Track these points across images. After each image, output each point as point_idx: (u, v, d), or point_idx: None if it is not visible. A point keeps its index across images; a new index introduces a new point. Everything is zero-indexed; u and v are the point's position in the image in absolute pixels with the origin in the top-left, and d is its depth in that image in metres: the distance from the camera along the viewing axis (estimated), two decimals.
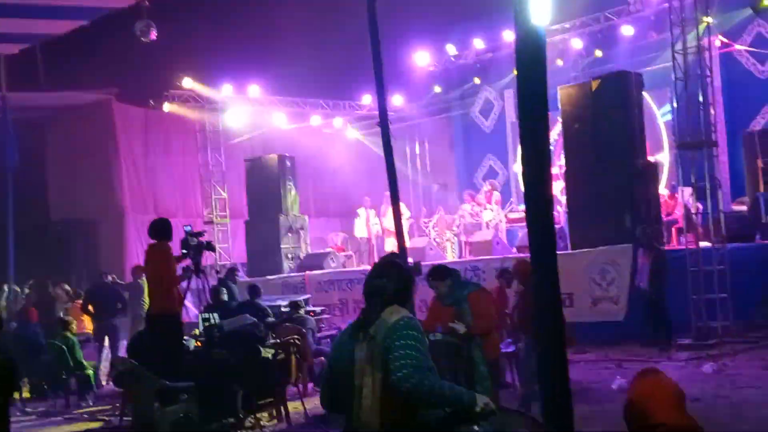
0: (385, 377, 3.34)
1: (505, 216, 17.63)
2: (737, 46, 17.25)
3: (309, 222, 19.74)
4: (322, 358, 10.86)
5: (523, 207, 17.50)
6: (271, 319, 11.15)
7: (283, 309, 12.36)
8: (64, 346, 11.66)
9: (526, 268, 7.38)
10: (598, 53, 18.49)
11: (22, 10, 12.46)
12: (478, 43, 20.30)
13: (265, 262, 17.94)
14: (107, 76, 18.93)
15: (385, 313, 3.47)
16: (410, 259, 10.32)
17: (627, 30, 17.89)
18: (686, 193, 13.06)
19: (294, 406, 9.17)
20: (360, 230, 19.18)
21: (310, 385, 10.28)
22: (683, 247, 12.36)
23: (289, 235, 18.26)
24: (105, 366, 13.03)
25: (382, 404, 3.34)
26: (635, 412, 3.02)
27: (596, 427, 6.55)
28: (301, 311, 11.57)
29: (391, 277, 3.59)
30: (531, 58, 2.51)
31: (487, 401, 3.36)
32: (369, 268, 3.95)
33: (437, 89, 21.88)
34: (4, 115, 15.26)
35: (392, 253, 7.35)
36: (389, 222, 17.84)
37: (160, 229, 9.01)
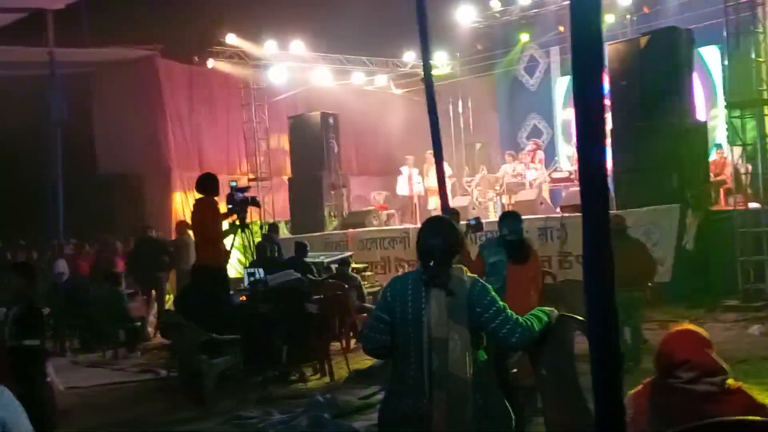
0: (471, 331, 3.58)
1: (549, 175, 17.46)
2: None
3: (351, 180, 19.75)
4: (365, 315, 10.97)
5: (567, 167, 17.35)
6: (315, 276, 11.27)
7: (326, 264, 12.51)
8: (111, 299, 11.93)
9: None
10: (647, 9, 18.05)
11: None
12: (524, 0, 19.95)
13: (307, 219, 18.05)
14: (152, 33, 19.03)
15: (456, 271, 3.67)
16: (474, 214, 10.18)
17: None
18: (735, 153, 12.81)
19: (337, 361, 9.28)
20: (402, 188, 19.15)
21: (353, 341, 10.40)
22: (732, 208, 12.17)
23: (332, 192, 18.32)
24: (152, 318, 13.29)
25: (469, 355, 3.56)
26: (663, 355, 3.18)
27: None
28: (349, 269, 11.69)
29: (448, 235, 3.73)
30: (586, 9, 2.45)
31: (555, 312, 3.92)
32: (411, 226, 4.08)
33: (481, 46, 21.59)
34: (51, 70, 15.43)
35: (450, 210, 7.46)
36: (432, 181, 17.80)
37: (208, 184, 9.10)
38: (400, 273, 3.84)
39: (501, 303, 3.67)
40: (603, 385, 2.47)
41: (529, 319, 3.73)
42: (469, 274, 3.71)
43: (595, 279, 2.57)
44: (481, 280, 3.72)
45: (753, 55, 11.88)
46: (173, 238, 14.91)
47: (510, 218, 6.91)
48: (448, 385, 3.54)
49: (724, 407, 2.91)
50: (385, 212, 18.65)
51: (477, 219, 9.14)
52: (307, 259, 11.96)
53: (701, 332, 3.23)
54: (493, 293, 3.70)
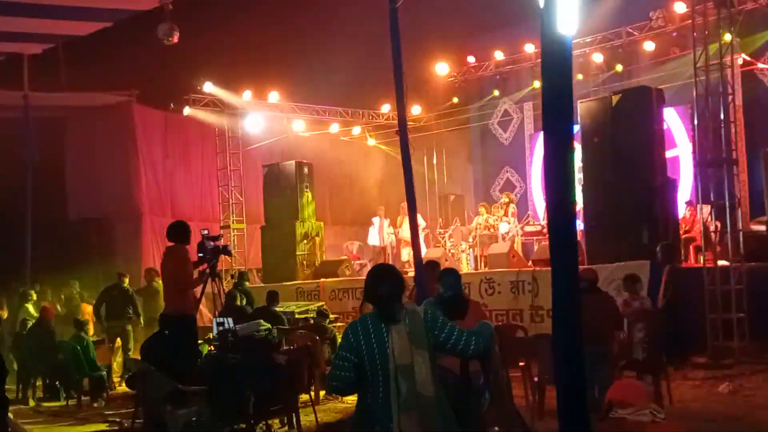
0: (431, 353, 4.20)
1: (522, 229, 17.56)
2: (760, 65, 17.14)
3: (324, 229, 19.75)
4: None
5: (538, 222, 17.47)
6: (284, 326, 11.18)
7: (297, 316, 12.43)
8: (78, 347, 11.71)
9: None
10: (619, 68, 18.41)
11: (46, 11, 12.57)
12: (498, 55, 20.29)
13: (280, 268, 17.96)
14: (128, 78, 19.05)
15: (408, 306, 4.32)
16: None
17: (648, 45, 17.83)
18: (705, 211, 12.96)
19: (306, 414, 9.14)
20: (373, 238, 19.19)
21: (322, 393, 10.26)
22: (701, 265, 12.27)
23: (305, 241, 18.27)
24: (116, 367, 13.07)
25: (433, 375, 4.16)
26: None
27: None
28: (326, 321, 11.61)
29: (396, 279, 4.36)
30: (557, 67, 2.49)
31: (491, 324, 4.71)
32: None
33: (456, 100, 21.87)
34: (25, 113, 15.37)
35: (431, 262, 8.59)
36: (404, 232, 17.85)
37: (179, 231, 9.03)
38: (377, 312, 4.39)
39: (449, 321, 4.35)
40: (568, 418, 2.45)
41: (477, 330, 4.42)
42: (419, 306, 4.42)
43: (564, 333, 2.57)
44: (430, 306, 4.48)
45: (722, 116, 12.10)
46: (142, 285, 14.72)
47: (447, 275, 6.89)
48: (418, 404, 4.09)
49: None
50: (357, 262, 18.62)
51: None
52: (279, 308, 11.87)
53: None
54: (441, 315, 4.38)
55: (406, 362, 4.12)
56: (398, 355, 4.13)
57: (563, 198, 2.50)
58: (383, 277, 4.35)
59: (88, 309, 14.66)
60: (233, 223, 19.76)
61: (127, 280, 14.20)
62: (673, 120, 17.64)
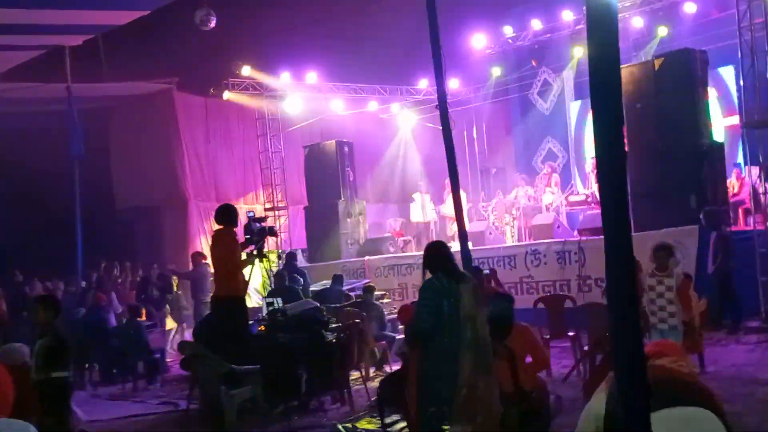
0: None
1: (566, 198, 17.42)
2: None
3: (367, 207, 19.79)
4: (384, 342, 10.93)
5: (583, 190, 17.30)
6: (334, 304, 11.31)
7: (349, 293, 12.77)
8: (131, 331, 11.95)
9: None
10: (661, 31, 18.06)
11: (84, 2, 12.71)
12: (536, 24, 20.01)
13: (324, 248, 18.08)
14: (167, 66, 19.19)
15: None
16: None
17: (689, 7, 17.46)
18: (753, 173, 12.73)
19: (357, 390, 9.24)
20: (416, 215, 19.18)
21: (373, 370, 10.34)
22: (751, 228, 12.07)
23: (348, 220, 18.35)
24: (172, 350, 13.30)
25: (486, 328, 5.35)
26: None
27: None
28: (372, 296, 11.72)
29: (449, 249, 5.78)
30: (603, 32, 2.45)
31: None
32: None
33: (495, 72, 21.68)
34: (69, 105, 15.58)
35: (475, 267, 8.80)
36: (447, 208, 17.82)
37: (227, 214, 9.12)
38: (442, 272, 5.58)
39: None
40: (629, 396, 2.44)
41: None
42: None
43: (619, 301, 2.56)
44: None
45: None
46: (190, 268, 14.93)
47: (497, 300, 6.53)
48: (476, 348, 5.21)
49: None
50: (401, 239, 18.66)
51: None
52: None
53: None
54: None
55: (472, 313, 5.25)
56: (467, 307, 5.26)
57: (615, 166, 2.47)
58: (446, 249, 5.73)
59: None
60: (277, 204, 19.91)
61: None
62: (731, 80, 17.21)
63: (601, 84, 2.48)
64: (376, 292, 13.80)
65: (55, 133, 16.88)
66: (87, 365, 12.64)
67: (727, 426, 2.57)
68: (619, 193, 2.51)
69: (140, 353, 11.92)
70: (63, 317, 7.87)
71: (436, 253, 5.64)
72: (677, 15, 17.79)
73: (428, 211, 19.00)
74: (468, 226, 13.96)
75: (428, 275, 5.58)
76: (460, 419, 5.25)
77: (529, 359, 6.29)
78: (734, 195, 14.18)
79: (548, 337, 9.87)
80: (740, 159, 16.20)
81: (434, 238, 18.06)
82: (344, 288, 13.27)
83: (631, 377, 2.46)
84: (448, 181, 15.19)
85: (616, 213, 2.54)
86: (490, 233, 16.62)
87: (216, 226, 9.31)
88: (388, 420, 7.71)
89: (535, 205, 17.37)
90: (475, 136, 22.86)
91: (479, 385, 5.26)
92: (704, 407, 2.64)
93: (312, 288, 13.50)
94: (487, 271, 10.75)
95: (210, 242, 9.86)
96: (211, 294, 9.91)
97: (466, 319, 5.20)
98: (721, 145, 13.42)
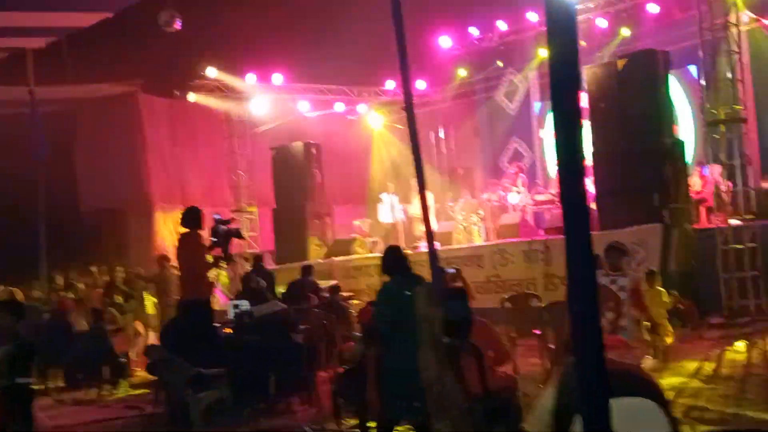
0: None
1: (532, 198, 17.54)
2: (765, 21, 16.97)
3: (335, 209, 19.76)
4: (352, 343, 10.91)
5: (548, 191, 17.45)
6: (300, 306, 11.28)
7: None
8: (96, 336, 11.82)
9: None
10: (624, 32, 18.26)
11: (47, 3, 12.57)
12: (501, 25, 20.14)
13: (292, 249, 18.03)
14: (132, 68, 19.01)
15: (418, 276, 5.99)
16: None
17: (652, 8, 17.67)
18: (716, 171, 12.92)
19: (325, 391, 9.22)
20: (384, 216, 19.19)
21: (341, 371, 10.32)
22: (713, 226, 12.25)
23: (316, 221, 18.31)
24: (136, 356, 13.17)
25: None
26: None
27: None
28: (337, 296, 11.71)
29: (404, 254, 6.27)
30: (562, 33, 2.48)
31: None
32: None
33: (461, 73, 21.76)
34: (32, 108, 15.38)
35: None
36: (414, 208, 17.85)
37: (192, 217, 9.07)
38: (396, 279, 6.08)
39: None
40: (590, 400, 2.47)
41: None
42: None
43: (579, 299, 2.59)
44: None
45: (729, 75, 12.03)
46: (154, 271, 14.79)
47: (451, 299, 6.25)
48: (434, 348, 5.58)
49: None
50: (369, 240, 18.66)
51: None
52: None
53: None
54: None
55: (427, 314, 5.62)
56: (422, 308, 5.65)
57: (574, 166, 2.50)
58: (401, 253, 6.20)
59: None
60: (244, 206, 19.80)
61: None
62: (689, 80, 17.50)
63: (561, 84, 2.51)
64: (344, 293, 13.80)
65: (18, 136, 16.65)
66: (51, 370, 12.47)
67: (671, 417, 2.61)
68: (578, 191, 2.55)
69: (105, 358, 11.78)
70: (26, 322, 7.78)
71: (392, 257, 6.09)
72: (640, 16, 18.00)
73: (396, 211, 19.01)
74: (435, 227, 14.06)
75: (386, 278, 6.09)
76: (438, 416, 5.63)
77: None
78: (697, 193, 14.38)
79: (515, 335, 9.92)
80: (702, 158, 16.45)
81: (402, 239, 18.13)
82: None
83: (591, 371, 2.49)
84: (415, 181, 15.26)
85: (576, 208, 2.58)
86: (458, 233, 16.68)
87: (182, 229, 9.25)
88: (354, 421, 7.72)
89: (502, 204, 17.48)
90: (442, 136, 22.93)
91: (446, 382, 5.66)
92: (647, 398, 2.68)
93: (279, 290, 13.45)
94: (452, 270, 10.78)
95: (176, 246, 9.79)
96: (177, 297, 9.84)
97: (422, 320, 5.60)
98: (683, 144, 13.61)
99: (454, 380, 5.71)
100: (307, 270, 13.23)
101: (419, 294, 5.78)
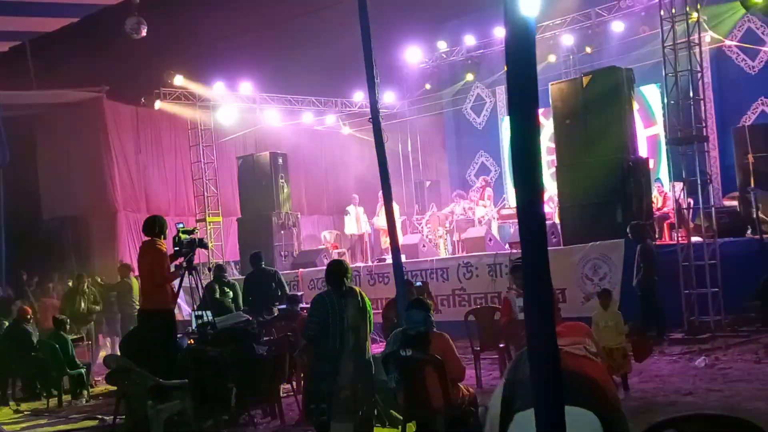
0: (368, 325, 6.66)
1: (498, 212, 17.66)
2: (727, 42, 17.31)
3: (301, 219, 19.70)
4: None
5: (514, 203, 17.66)
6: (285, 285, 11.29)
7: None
8: (56, 345, 11.63)
9: None
10: (589, 49, 18.51)
11: (12, 8, 12.42)
12: (469, 40, 20.32)
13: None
14: (98, 74, 18.86)
15: (354, 287, 6.89)
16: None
17: (617, 26, 17.95)
18: (677, 188, 13.10)
19: (288, 404, 9.17)
20: (350, 227, 19.21)
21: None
22: (674, 242, 12.41)
23: (282, 232, 18.25)
24: (98, 364, 13.00)
25: (368, 341, 6.70)
26: None
27: None
28: (297, 307, 11.58)
29: (346, 267, 6.88)
30: (521, 50, 2.51)
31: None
32: (361, 264, 7.51)
33: (429, 86, 21.89)
34: None
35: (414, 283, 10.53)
36: (381, 220, 17.87)
37: (154, 225, 8.98)
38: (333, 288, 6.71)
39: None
40: (545, 412, 2.49)
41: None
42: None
43: (535, 315, 2.61)
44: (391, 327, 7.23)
45: (691, 93, 12.21)
46: (116, 280, 14.64)
47: (412, 309, 6.47)
48: (357, 354, 6.42)
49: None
50: (335, 251, 18.63)
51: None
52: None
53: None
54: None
55: (356, 323, 6.41)
56: (351, 318, 6.39)
57: (530, 180, 2.53)
58: (341, 267, 6.79)
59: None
60: (209, 216, 19.67)
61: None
62: (652, 97, 17.82)
63: (519, 98, 2.54)
64: (305, 304, 13.71)
65: None
66: (10, 380, 12.26)
67: (611, 429, 2.62)
68: (534, 202, 2.58)
69: (65, 367, 11.60)
70: None
71: (332, 270, 6.71)
72: (605, 34, 18.27)
73: (362, 223, 19.03)
74: (402, 239, 14.05)
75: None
76: (340, 417, 6.25)
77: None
78: (658, 209, 14.57)
79: (479, 349, 9.96)
80: (660, 174, 16.72)
81: (368, 251, 18.16)
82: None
83: (546, 382, 2.52)
84: (381, 193, 15.30)
85: (531, 217, 2.61)
86: (424, 246, 16.72)
87: (144, 238, 9.16)
88: None
89: (468, 218, 17.57)
90: (409, 149, 23.02)
91: (359, 386, 6.38)
92: (591, 407, 2.70)
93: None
94: (419, 284, 10.82)
95: (138, 254, 9.68)
96: (138, 307, 9.73)
97: (350, 328, 6.32)
98: (645, 161, 13.79)
99: (368, 385, 6.52)
100: (257, 257, 12.88)
101: (349, 304, 6.41)
